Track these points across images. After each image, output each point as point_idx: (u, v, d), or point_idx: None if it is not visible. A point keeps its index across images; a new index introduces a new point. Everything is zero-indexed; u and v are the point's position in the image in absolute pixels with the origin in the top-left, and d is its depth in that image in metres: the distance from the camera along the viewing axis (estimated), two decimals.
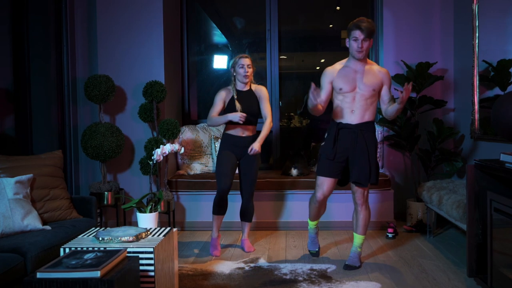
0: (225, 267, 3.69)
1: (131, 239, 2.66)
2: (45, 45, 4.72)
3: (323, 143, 3.71)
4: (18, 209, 3.05)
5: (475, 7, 4.22)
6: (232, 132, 4.00)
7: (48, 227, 3.16)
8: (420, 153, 4.87)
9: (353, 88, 3.54)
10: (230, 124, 3.98)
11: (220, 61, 6.00)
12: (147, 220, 3.74)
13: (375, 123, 3.73)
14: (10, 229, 2.99)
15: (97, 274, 2.12)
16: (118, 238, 2.65)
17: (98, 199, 4.41)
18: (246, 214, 4.13)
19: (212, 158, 5.26)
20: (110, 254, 2.34)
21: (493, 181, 3.08)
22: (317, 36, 6.21)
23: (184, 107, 5.74)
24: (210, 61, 6.01)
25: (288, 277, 3.46)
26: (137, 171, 4.90)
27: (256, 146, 3.90)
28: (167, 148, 4.14)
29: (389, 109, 3.54)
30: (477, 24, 4.21)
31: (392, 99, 3.60)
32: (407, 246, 4.20)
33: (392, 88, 4.95)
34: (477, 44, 4.23)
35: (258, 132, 4.06)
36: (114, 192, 4.63)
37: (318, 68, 6.24)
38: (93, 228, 3.04)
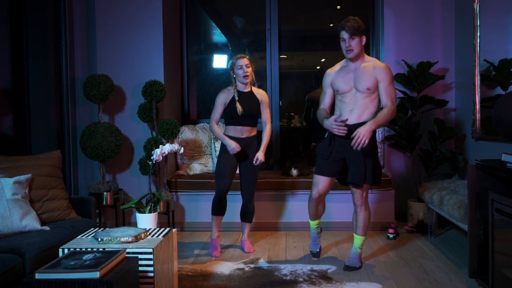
0: (224, 268, 3.68)
1: (130, 239, 2.65)
2: (44, 45, 4.71)
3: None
4: (16, 210, 3.03)
5: (476, 6, 4.21)
6: (232, 133, 3.99)
7: (46, 228, 3.15)
8: (421, 153, 4.86)
9: (350, 89, 3.54)
10: (230, 125, 3.99)
11: (220, 61, 5.99)
12: (146, 220, 3.73)
13: None
14: (9, 229, 2.98)
15: (96, 275, 2.11)
16: (117, 238, 2.64)
17: (97, 200, 4.40)
18: (246, 214, 4.12)
19: (212, 158, 5.25)
20: (109, 254, 2.34)
21: (494, 181, 3.07)
22: (318, 36, 6.21)
23: (183, 107, 5.73)
24: (210, 60, 6.00)
25: (288, 278, 3.44)
26: (136, 171, 4.88)
27: (260, 156, 3.94)
28: (167, 148, 4.13)
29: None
30: (478, 24, 4.20)
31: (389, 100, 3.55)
32: (408, 247, 4.19)
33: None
34: (478, 44, 4.21)
35: (258, 133, 4.07)
36: (113, 192, 4.62)
37: (318, 67, 6.23)
38: (92, 229, 3.04)
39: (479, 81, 4.25)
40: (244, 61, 3.92)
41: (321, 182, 3.64)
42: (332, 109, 3.72)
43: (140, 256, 2.53)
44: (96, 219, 3.73)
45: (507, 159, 2.87)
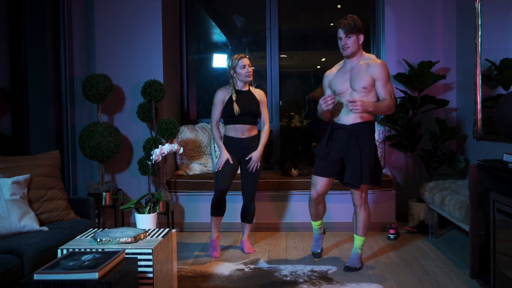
0: (224, 268, 3.67)
1: (129, 240, 2.65)
2: (43, 44, 4.70)
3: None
4: (15, 210, 3.02)
5: (478, 5, 4.20)
6: (232, 134, 3.99)
7: (45, 228, 3.14)
8: (422, 153, 4.85)
9: (346, 89, 3.55)
10: (229, 124, 3.99)
11: (219, 60, 5.98)
12: (145, 221, 3.71)
13: (375, 122, 3.68)
14: (7, 230, 2.97)
15: (95, 275, 2.11)
16: (116, 239, 2.64)
17: (96, 200, 4.40)
18: (247, 215, 4.10)
19: (212, 158, 5.23)
20: (108, 255, 2.33)
21: (496, 181, 3.06)
22: (318, 35, 6.19)
23: (183, 106, 5.72)
24: (210, 60, 5.99)
25: (288, 278, 3.43)
26: (136, 171, 4.87)
27: (255, 156, 3.95)
28: (166, 148, 4.11)
29: None
30: (479, 23, 4.19)
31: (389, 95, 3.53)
32: (409, 247, 4.18)
33: (394, 87, 4.96)
34: (479, 43, 4.20)
35: (259, 132, 4.06)
36: (112, 192, 4.61)
37: (318, 67, 6.22)
38: (91, 229, 3.03)
39: (480, 81, 4.23)
40: (247, 61, 3.94)
41: (319, 182, 3.64)
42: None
43: (139, 256, 2.53)
44: (95, 219, 3.73)
45: (509, 159, 2.87)
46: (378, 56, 5.35)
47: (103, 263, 2.21)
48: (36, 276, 2.11)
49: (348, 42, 3.47)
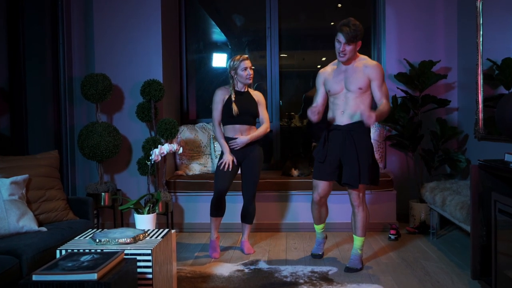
0: (224, 269, 3.66)
1: (128, 241, 2.65)
2: (41, 43, 4.70)
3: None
4: (13, 210, 3.01)
5: (479, 4, 4.19)
6: (231, 134, 3.98)
7: (44, 229, 3.13)
8: (423, 153, 4.85)
9: (341, 89, 3.56)
10: (227, 124, 3.99)
11: (219, 59, 5.97)
12: (145, 221, 3.71)
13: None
14: (5, 230, 2.96)
15: (94, 276, 2.11)
16: (115, 239, 2.64)
17: (95, 200, 4.38)
18: (247, 216, 4.09)
19: (211, 159, 5.22)
20: (107, 256, 2.33)
21: (497, 181, 3.06)
22: (318, 34, 6.18)
23: (182, 106, 5.70)
24: (209, 59, 5.98)
25: (288, 279, 3.42)
26: (135, 171, 4.85)
27: (239, 140, 3.91)
28: (165, 148, 4.10)
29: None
30: (481, 22, 4.18)
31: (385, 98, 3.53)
32: (410, 248, 4.16)
33: (394, 86, 4.96)
34: (481, 42, 4.19)
35: None
36: (111, 193, 4.61)
37: (319, 66, 6.19)
38: (90, 230, 3.04)
39: (481, 80, 4.22)
40: (249, 63, 3.95)
41: (320, 185, 3.68)
42: (326, 110, 3.74)
43: (138, 257, 2.53)
44: (94, 220, 3.72)
45: (510, 159, 2.86)
46: (379, 56, 5.35)
47: (102, 264, 2.21)
48: (34, 277, 2.11)
49: (347, 49, 3.47)
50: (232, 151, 3.95)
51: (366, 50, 5.45)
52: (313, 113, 3.48)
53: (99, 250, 2.51)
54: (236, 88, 3.99)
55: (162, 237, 2.78)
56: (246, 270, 3.63)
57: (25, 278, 2.17)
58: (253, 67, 3.99)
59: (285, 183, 4.84)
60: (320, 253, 3.94)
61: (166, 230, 2.95)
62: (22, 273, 2.70)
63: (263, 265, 3.74)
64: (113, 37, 4.96)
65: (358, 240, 3.68)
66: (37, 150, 4.21)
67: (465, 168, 4.72)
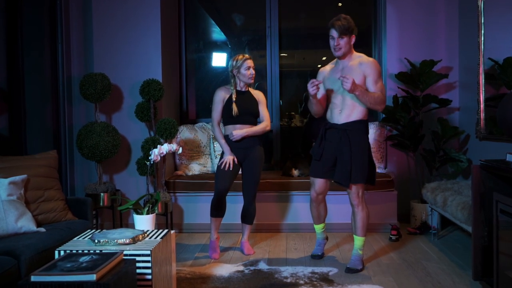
0: (224, 270, 3.65)
1: (127, 241, 2.65)
2: (40, 43, 4.69)
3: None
4: (11, 211, 3.01)
5: (481, 3, 4.17)
6: None
7: (42, 229, 3.12)
8: (424, 153, 4.83)
9: (338, 88, 3.57)
10: (228, 124, 3.98)
11: (219, 59, 5.96)
12: (144, 222, 3.69)
13: (368, 121, 3.69)
14: (4, 231, 2.95)
15: (93, 277, 2.12)
16: (114, 240, 2.64)
17: (93, 201, 4.37)
18: (247, 216, 4.08)
19: (211, 159, 5.20)
20: (106, 257, 2.33)
21: (499, 182, 3.06)
22: (319, 33, 6.16)
23: (182, 106, 5.69)
24: (209, 58, 5.97)
25: (288, 280, 3.41)
26: (134, 171, 4.84)
27: (235, 133, 3.90)
28: (165, 148, 4.08)
29: None
30: (482, 21, 4.16)
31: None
32: (411, 249, 4.15)
33: (395, 86, 4.94)
34: (482, 42, 4.17)
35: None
36: (110, 193, 4.60)
37: (319, 66, 6.15)
38: (89, 230, 3.04)
39: (483, 80, 4.21)
40: (251, 63, 3.95)
41: (316, 183, 3.72)
42: (325, 108, 3.76)
43: (137, 258, 2.53)
44: (92, 220, 3.72)
45: None
46: (380, 55, 5.34)
47: (101, 264, 2.21)
48: (33, 278, 2.11)
49: (341, 42, 3.51)
50: (233, 150, 3.93)
51: (366, 49, 5.44)
52: (312, 84, 3.47)
53: (98, 251, 2.51)
54: (237, 88, 3.98)
55: (162, 238, 2.77)
56: (246, 271, 3.61)
57: (24, 279, 2.18)
58: (253, 67, 3.99)
59: (285, 184, 4.83)
60: (320, 254, 3.93)
61: (166, 230, 2.95)
62: (21, 274, 2.69)
63: (263, 266, 3.73)
64: (112, 36, 4.94)
65: (358, 240, 3.67)
66: (35, 150, 4.20)
67: (467, 168, 4.71)
